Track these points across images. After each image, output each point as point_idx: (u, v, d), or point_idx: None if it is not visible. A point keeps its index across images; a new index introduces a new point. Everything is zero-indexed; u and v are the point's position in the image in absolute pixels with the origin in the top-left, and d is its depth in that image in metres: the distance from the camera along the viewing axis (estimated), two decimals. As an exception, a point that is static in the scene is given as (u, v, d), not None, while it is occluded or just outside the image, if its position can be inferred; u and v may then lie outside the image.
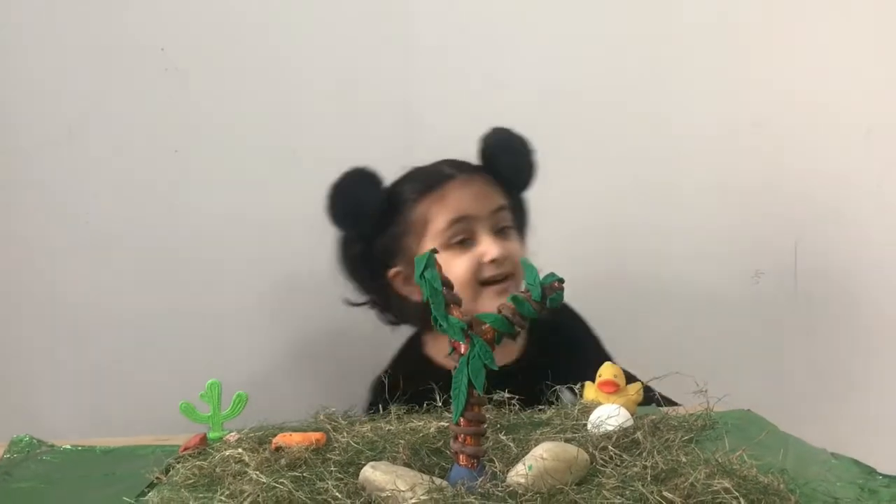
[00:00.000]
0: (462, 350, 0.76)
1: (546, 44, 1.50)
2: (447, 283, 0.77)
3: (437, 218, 1.19)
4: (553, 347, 1.24)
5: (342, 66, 1.46)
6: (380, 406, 0.97)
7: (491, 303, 1.13)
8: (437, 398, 0.93)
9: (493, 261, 1.17)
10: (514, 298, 0.76)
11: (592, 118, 1.45)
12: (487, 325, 0.76)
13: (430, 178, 1.22)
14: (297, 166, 1.47)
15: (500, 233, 1.21)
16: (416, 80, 1.47)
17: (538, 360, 1.19)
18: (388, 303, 1.27)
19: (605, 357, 1.22)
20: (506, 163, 1.24)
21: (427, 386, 0.91)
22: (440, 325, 0.77)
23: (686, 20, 1.53)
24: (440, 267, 0.78)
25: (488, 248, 1.17)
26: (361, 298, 1.29)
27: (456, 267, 1.16)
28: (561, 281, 0.76)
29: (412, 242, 1.21)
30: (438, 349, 1.22)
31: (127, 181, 1.43)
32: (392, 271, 1.24)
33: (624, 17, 1.52)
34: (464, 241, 1.19)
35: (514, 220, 1.25)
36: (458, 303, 0.78)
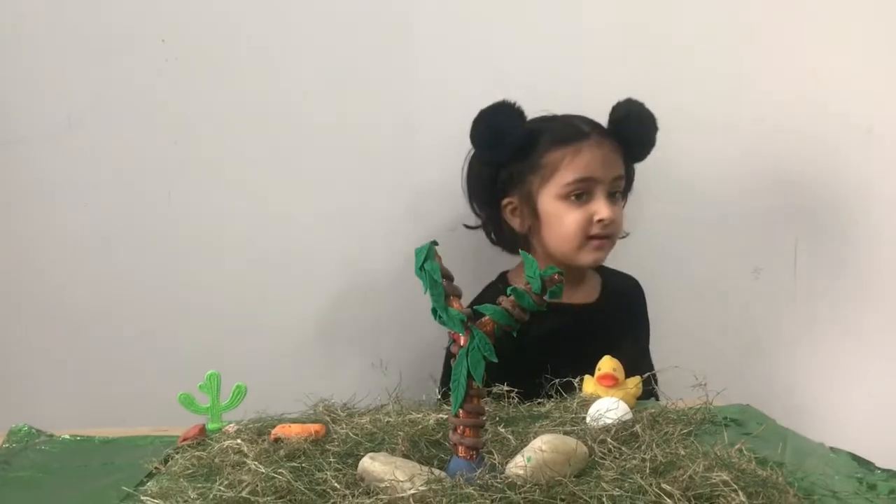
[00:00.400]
0: (462, 342, 0.76)
1: (546, 43, 1.49)
2: (447, 275, 0.77)
3: (566, 170, 1.29)
4: (623, 303, 1.41)
5: (342, 57, 1.45)
6: None
7: (590, 255, 1.31)
8: (437, 390, 0.93)
9: (600, 220, 1.28)
10: (515, 291, 0.76)
11: (593, 114, 1.44)
12: (487, 318, 0.76)
13: (570, 130, 1.31)
14: (296, 157, 1.46)
15: (612, 197, 1.31)
16: (415, 70, 1.47)
17: (608, 306, 1.37)
18: (496, 227, 1.39)
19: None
20: (634, 133, 1.34)
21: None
22: (440, 317, 0.77)
23: (687, 18, 1.52)
24: (440, 258, 0.78)
25: (601, 208, 1.28)
26: (476, 222, 1.41)
27: (569, 218, 1.29)
28: (561, 273, 0.76)
29: (535, 181, 1.31)
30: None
31: (126, 172, 1.43)
32: (506, 200, 1.34)
33: (624, 15, 1.51)
34: (580, 196, 1.29)
35: (624, 188, 1.36)
36: (458, 294, 0.78)
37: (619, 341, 1.32)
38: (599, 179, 1.29)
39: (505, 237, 1.39)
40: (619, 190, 1.33)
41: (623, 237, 1.38)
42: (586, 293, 1.38)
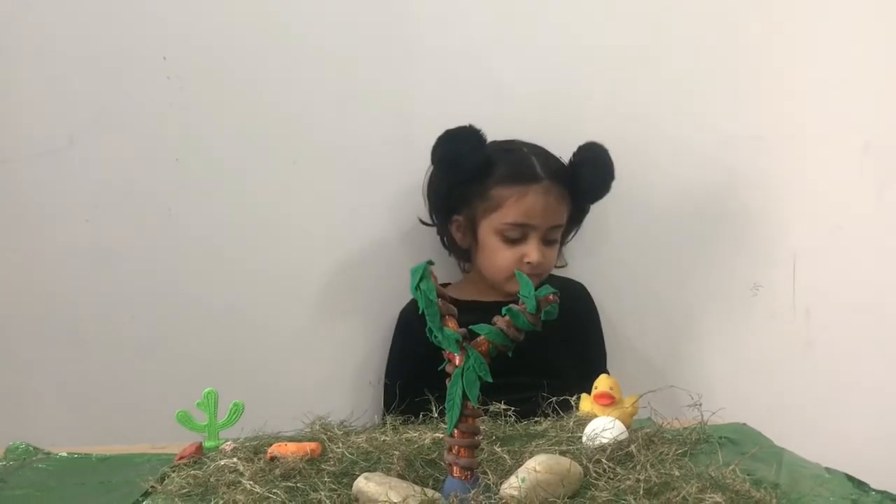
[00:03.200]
0: (457, 362, 0.76)
1: (545, 54, 1.50)
2: (442, 295, 0.78)
3: (508, 210, 1.34)
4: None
5: (343, 75, 1.46)
6: None
7: (516, 286, 1.22)
8: (433, 409, 0.93)
9: (528, 263, 1.34)
10: (510, 311, 0.77)
11: (591, 129, 1.45)
12: (482, 337, 0.77)
13: (522, 171, 1.35)
14: (297, 175, 1.47)
15: (547, 243, 1.37)
16: (416, 90, 1.47)
17: None
18: (446, 236, 1.45)
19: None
20: (588, 181, 1.37)
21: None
22: (435, 337, 0.77)
23: (686, 32, 1.53)
24: (436, 279, 0.78)
25: (531, 252, 1.34)
26: (429, 222, 1.46)
27: (500, 254, 1.36)
28: (555, 294, 0.76)
29: (480, 209, 1.37)
30: (459, 290, 1.43)
31: (127, 189, 1.43)
32: (454, 216, 1.41)
33: (623, 29, 1.52)
34: (514, 237, 1.35)
35: (568, 229, 1.43)
36: (453, 314, 0.78)
37: (556, 344, 1.34)
38: (536, 226, 1.34)
39: (452, 246, 1.45)
40: (556, 238, 1.39)
41: (561, 266, 1.47)
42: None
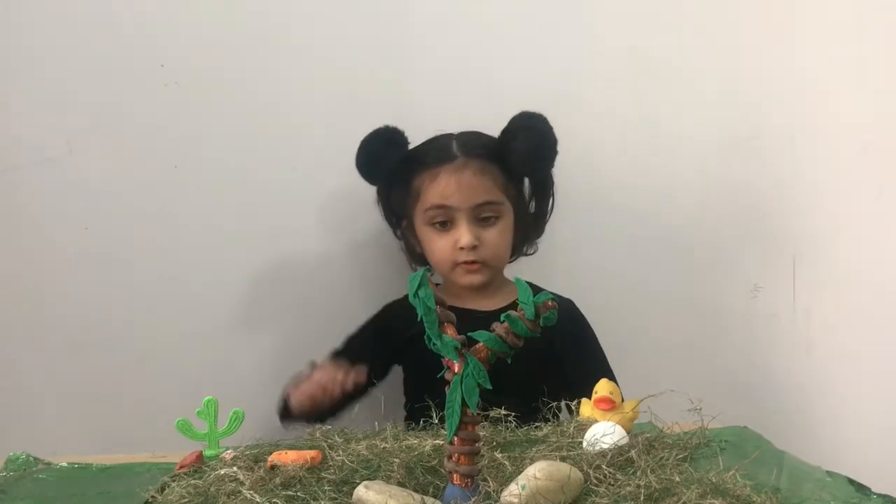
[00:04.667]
0: (456, 369, 0.76)
1: (543, 53, 1.50)
2: (441, 302, 0.78)
3: (426, 196, 1.30)
4: None
5: (341, 81, 1.46)
6: None
7: (464, 278, 1.32)
8: (434, 415, 0.93)
9: (461, 248, 1.28)
10: (508, 317, 0.77)
11: (589, 129, 1.45)
12: (481, 344, 0.77)
13: (434, 153, 1.31)
14: (296, 181, 1.47)
15: (481, 222, 1.30)
16: (414, 94, 1.47)
17: None
18: (407, 247, 1.40)
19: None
20: (520, 151, 1.29)
21: None
22: (434, 344, 0.77)
23: (684, 31, 1.53)
24: (434, 285, 0.78)
25: (461, 235, 1.28)
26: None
27: (436, 245, 1.31)
28: (554, 300, 0.76)
29: (410, 206, 1.33)
30: None
31: (126, 196, 1.43)
32: (404, 222, 1.38)
33: (621, 27, 1.52)
34: (444, 223, 1.29)
35: (515, 205, 1.33)
36: (452, 321, 0.78)
37: (551, 366, 1.28)
38: (456, 206, 1.28)
39: (412, 254, 1.40)
40: (492, 215, 1.30)
41: (531, 254, 1.40)
42: (496, 301, 1.32)
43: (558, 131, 1.32)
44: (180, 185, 1.44)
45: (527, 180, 1.38)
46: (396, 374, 1.40)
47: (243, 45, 1.44)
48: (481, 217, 1.30)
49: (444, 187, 1.28)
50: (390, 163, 1.30)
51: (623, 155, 1.53)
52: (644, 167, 1.53)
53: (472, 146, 1.31)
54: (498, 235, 1.31)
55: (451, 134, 1.34)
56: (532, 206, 1.40)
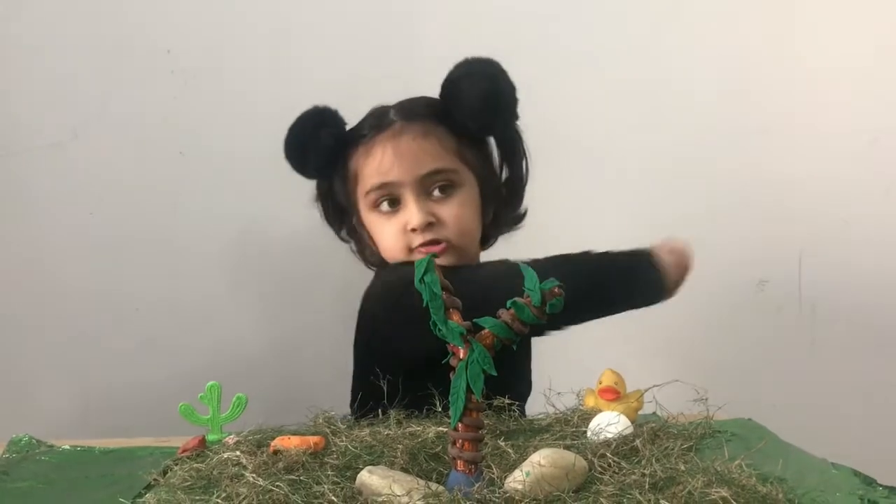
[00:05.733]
0: (461, 355, 0.76)
1: (549, 48, 1.50)
2: (447, 288, 0.77)
3: (363, 176, 1.09)
4: None
5: (347, 68, 1.46)
6: None
7: None
8: (437, 403, 0.93)
9: (413, 230, 1.08)
10: (515, 304, 0.76)
11: (593, 123, 1.44)
12: (486, 331, 0.76)
13: (374, 122, 1.10)
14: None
15: (437, 193, 1.09)
16: (419, 85, 1.47)
17: None
18: (359, 247, 1.19)
19: None
20: (464, 97, 1.07)
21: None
22: (439, 330, 0.77)
23: (691, 26, 1.52)
24: (440, 271, 0.77)
25: (411, 216, 1.07)
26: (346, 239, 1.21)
27: (385, 232, 1.10)
28: (561, 286, 0.75)
29: (352, 195, 1.13)
30: None
31: (131, 183, 1.44)
32: (354, 218, 1.16)
33: (629, 23, 1.52)
34: (392, 202, 1.09)
35: (477, 170, 1.12)
36: (457, 307, 0.78)
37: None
38: (399, 181, 1.07)
39: (367, 255, 1.19)
40: (445, 182, 1.09)
41: (515, 229, 1.18)
42: None
43: (561, 125, 1.32)
44: (186, 171, 1.44)
45: (493, 141, 1.15)
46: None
47: (249, 33, 1.44)
48: (433, 190, 1.08)
49: (381, 161, 1.07)
50: (323, 148, 1.10)
51: (629, 149, 1.53)
52: (648, 159, 1.52)
53: (412, 108, 1.11)
54: (458, 208, 1.09)
55: (385, 105, 1.14)
56: (505, 173, 1.17)
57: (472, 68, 1.09)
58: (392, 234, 1.09)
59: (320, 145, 1.10)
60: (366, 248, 1.17)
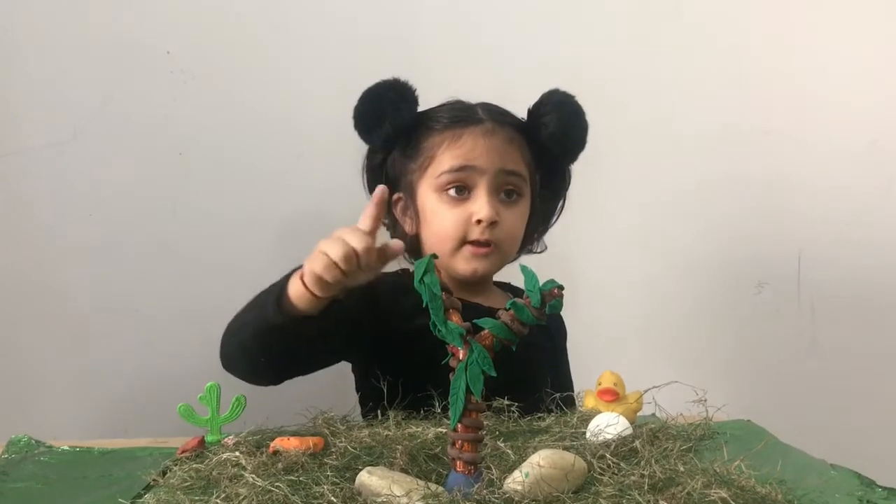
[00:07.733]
0: (461, 356, 0.76)
1: (548, 49, 1.50)
2: (446, 289, 0.77)
3: (443, 156, 1.11)
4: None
5: (346, 68, 1.46)
6: None
7: (465, 264, 1.12)
8: (437, 404, 0.93)
9: (479, 221, 1.10)
10: (514, 304, 0.76)
11: (595, 124, 1.44)
12: (486, 331, 0.76)
13: (457, 114, 1.14)
14: (301, 169, 1.47)
15: (503, 196, 1.13)
16: (420, 84, 1.47)
17: None
18: (392, 228, 1.20)
19: None
20: (552, 123, 1.14)
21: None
22: (439, 331, 0.77)
23: (692, 27, 1.53)
24: (440, 272, 0.77)
25: (481, 207, 1.10)
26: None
27: (445, 216, 1.11)
28: (560, 288, 0.75)
29: (415, 171, 1.14)
30: None
31: (131, 183, 1.44)
32: (395, 195, 1.17)
33: (630, 23, 1.52)
34: (461, 190, 1.11)
35: (533, 192, 1.17)
36: (456, 308, 0.78)
37: (532, 359, 1.14)
38: (482, 169, 1.10)
39: (398, 236, 1.17)
40: (516, 190, 1.14)
41: (539, 252, 1.23)
42: (494, 301, 1.17)
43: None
44: (185, 172, 1.44)
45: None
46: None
47: (249, 33, 1.44)
48: (504, 190, 1.13)
49: (471, 148, 1.10)
50: (401, 120, 1.12)
51: (629, 150, 1.53)
52: (649, 161, 1.52)
53: (500, 114, 1.16)
54: (517, 218, 1.14)
55: (465, 102, 1.18)
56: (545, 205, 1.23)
57: (563, 98, 1.15)
58: (454, 220, 1.10)
59: (400, 117, 1.12)
60: (397, 229, 1.18)
